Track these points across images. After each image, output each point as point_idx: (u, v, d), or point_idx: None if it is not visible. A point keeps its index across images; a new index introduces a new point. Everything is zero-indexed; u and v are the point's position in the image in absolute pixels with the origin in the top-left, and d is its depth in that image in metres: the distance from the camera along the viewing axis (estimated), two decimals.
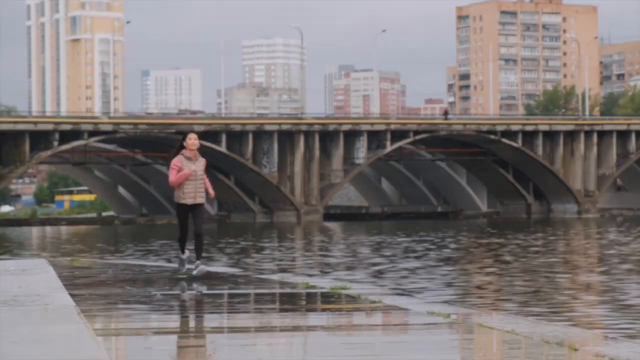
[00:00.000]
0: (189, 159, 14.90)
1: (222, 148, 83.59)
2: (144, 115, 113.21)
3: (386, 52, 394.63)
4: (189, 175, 14.75)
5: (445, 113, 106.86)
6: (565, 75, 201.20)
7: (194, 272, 14.63)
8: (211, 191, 15.11)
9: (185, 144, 15.01)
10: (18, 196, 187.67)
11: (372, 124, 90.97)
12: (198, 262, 14.78)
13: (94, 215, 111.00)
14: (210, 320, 9.55)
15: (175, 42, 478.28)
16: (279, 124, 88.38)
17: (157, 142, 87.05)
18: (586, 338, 8.67)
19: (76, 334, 7.72)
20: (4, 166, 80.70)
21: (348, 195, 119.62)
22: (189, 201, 14.87)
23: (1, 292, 11.34)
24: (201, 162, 15.06)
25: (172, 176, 14.76)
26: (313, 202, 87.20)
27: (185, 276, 14.77)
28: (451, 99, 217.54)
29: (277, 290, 12.54)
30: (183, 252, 15.19)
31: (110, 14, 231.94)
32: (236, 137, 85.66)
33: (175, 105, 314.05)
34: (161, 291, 12.45)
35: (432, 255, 32.14)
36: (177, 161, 14.85)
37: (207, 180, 15.16)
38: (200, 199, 14.96)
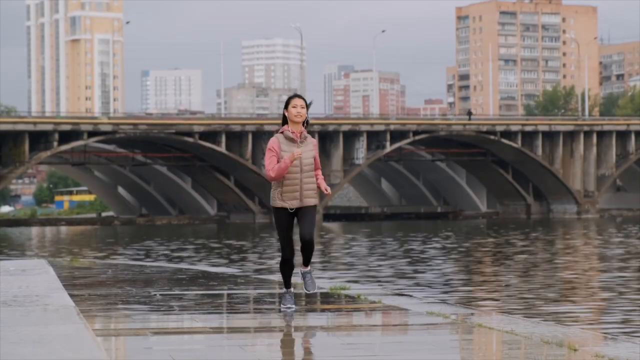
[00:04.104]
0: (290, 140, 9.94)
1: (222, 148, 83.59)
2: (144, 116, 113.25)
3: (386, 52, 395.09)
4: (291, 164, 9.80)
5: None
6: (564, 76, 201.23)
7: (307, 290, 10.20)
8: (325, 186, 9.97)
9: (286, 113, 10.10)
10: (18, 196, 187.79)
11: (371, 124, 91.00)
12: (306, 269, 10.18)
13: (93, 215, 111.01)
14: (210, 321, 9.55)
15: (175, 42, 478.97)
16: (279, 124, 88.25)
17: (157, 142, 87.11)
18: (585, 338, 8.68)
19: (76, 334, 7.72)
20: (4, 166, 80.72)
21: (348, 196, 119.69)
22: (291, 204, 9.91)
23: (1, 293, 11.34)
24: (309, 144, 9.99)
25: (269, 167, 9.82)
26: None
27: (293, 311, 10.07)
28: (451, 99, 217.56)
29: (277, 291, 12.54)
30: (288, 286, 10.20)
31: (110, 14, 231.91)
32: (236, 138, 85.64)
33: (175, 105, 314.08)
34: (161, 291, 12.45)
35: (432, 255, 32.15)
36: (273, 143, 9.91)
37: (319, 173, 10.00)
38: (310, 200, 9.90)
